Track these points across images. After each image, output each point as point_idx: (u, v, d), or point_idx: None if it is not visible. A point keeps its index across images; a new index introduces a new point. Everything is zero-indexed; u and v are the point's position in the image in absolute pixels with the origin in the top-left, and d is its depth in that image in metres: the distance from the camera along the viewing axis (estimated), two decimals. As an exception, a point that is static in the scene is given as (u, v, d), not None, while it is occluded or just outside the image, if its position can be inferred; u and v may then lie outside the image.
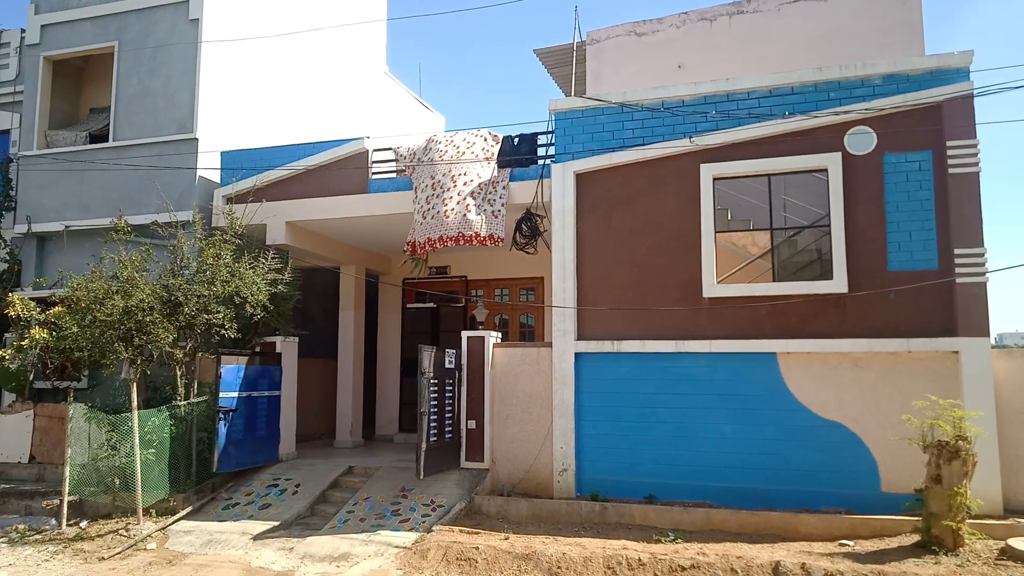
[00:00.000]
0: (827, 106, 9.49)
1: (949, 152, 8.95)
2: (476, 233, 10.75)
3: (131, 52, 13.44)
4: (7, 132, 14.77)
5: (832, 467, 9.03)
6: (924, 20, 11.82)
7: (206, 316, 10.62)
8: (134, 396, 9.64)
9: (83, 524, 9.71)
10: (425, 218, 11.07)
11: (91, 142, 13.80)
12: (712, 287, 9.70)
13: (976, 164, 8.88)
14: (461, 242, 10.84)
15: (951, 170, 8.93)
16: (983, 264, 8.70)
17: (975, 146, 8.91)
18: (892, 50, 11.27)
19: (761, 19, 12.53)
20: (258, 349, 11.74)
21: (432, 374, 9.97)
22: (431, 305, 15.47)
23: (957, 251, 8.78)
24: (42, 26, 14.03)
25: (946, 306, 8.78)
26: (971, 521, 7.65)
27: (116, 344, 10.36)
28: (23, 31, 14.39)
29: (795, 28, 12.29)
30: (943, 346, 8.73)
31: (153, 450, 9.83)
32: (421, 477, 9.77)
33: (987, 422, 8.21)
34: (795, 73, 9.73)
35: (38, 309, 11.73)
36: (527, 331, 15.17)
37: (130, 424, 9.52)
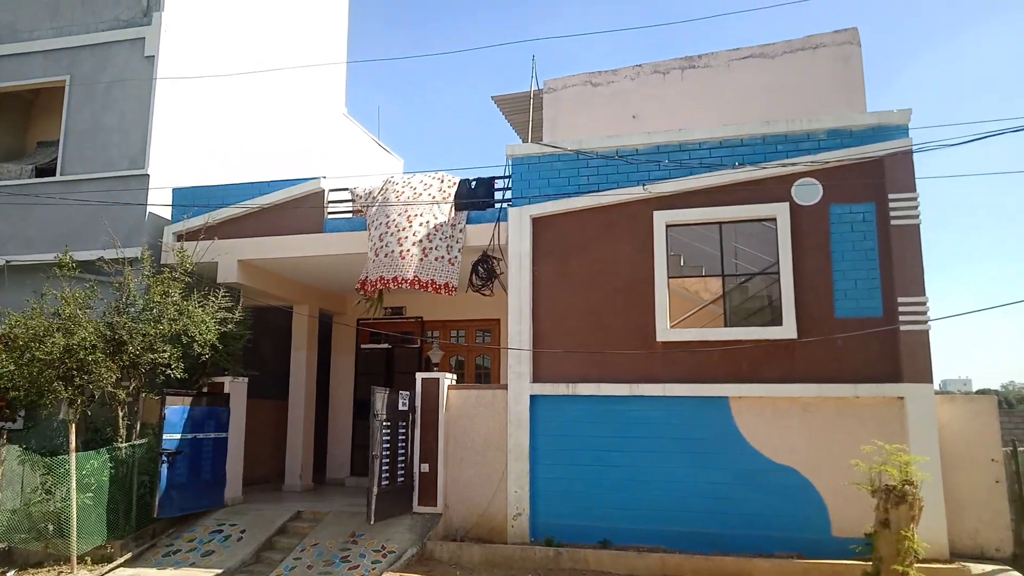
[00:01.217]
0: (775, 158, 9.82)
1: (891, 204, 9.32)
2: (432, 280, 10.81)
3: (83, 87, 13.24)
4: (-52, 163, 14.31)
5: (784, 511, 9.11)
6: (866, 78, 12.37)
7: (151, 355, 10.31)
8: (72, 437, 9.26)
9: (11, 574, 9.20)
10: (378, 256, 11.02)
11: (37, 176, 13.46)
12: (665, 331, 9.83)
13: (916, 216, 9.25)
14: (416, 287, 10.84)
15: (893, 222, 9.29)
16: (925, 312, 9.01)
17: (915, 199, 9.28)
18: (836, 106, 11.75)
19: (712, 73, 12.96)
20: (205, 390, 11.43)
21: (385, 416, 9.82)
22: (386, 346, 15.30)
23: (900, 299, 9.08)
24: (-9, 58, 13.75)
25: (891, 353, 9.04)
26: (919, 565, 7.74)
27: (55, 384, 9.98)
28: (-29, 62, 14.06)
29: (744, 82, 12.73)
30: (889, 392, 8.96)
31: (91, 494, 9.42)
32: (372, 522, 9.54)
33: (932, 467, 8.39)
34: (744, 126, 10.07)
35: (-28, 346, 11.25)
36: (483, 372, 15.09)
37: (67, 467, 9.14)
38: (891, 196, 9.33)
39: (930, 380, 8.86)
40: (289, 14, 17.16)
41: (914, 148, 9.41)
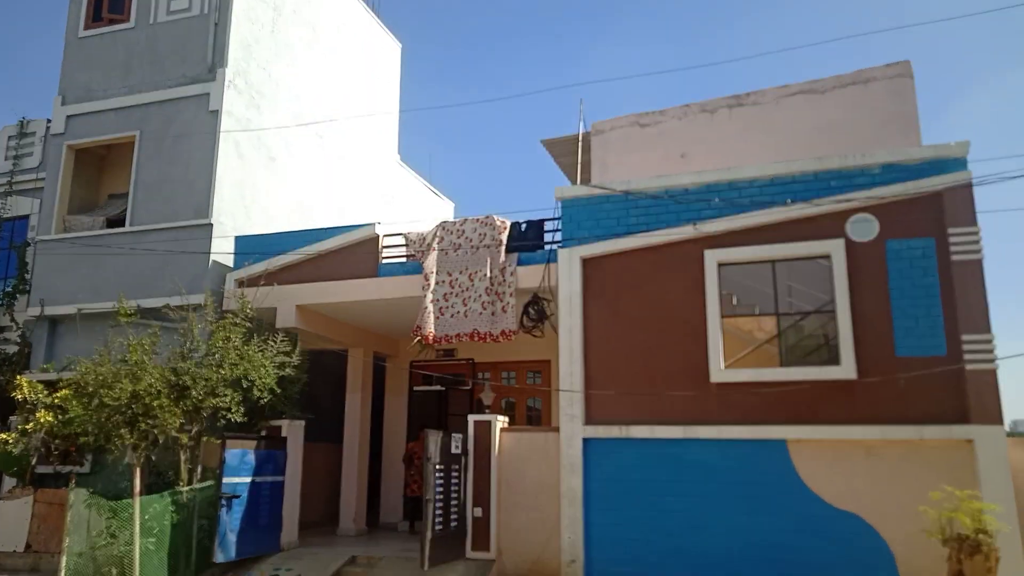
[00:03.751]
0: (828, 194, 9.67)
1: (951, 239, 9.05)
2: (489, 332, 11.03)
3: (152, 141, 13.90)
4: (27, 217, 15.18)
5: (848, 560, 8.76)
6: (920, 110, 12.12)
7: (213, 400, 10.59)
8: (136, 482, 9.51)
9: (77, 616, 9.43)
10: (443, 314, 11.29)
11: (108, 227, 14.11)
12: (720, 372, 9.67)
13: (979, 251, 8.96)
14: (475, 339, 11.07)
15: (954, 257, 9.01)
16: (992, 351, 8.67)
17: (976, 233, 9.01)
18: (890, 140, 11.50)
19: (760, 111, 12.87)
20: (263, 433, 11.66)
21: (438, 460, 9.86)
22: (438, 388, 15.39)
23: (965, 337, 8.77)
24: (67, 116, 14.57)
25: (958, 393, 8.70)
26: (996, 619, 7.37)
27: (122, 429, 10.31)
28: (48, 121, 14.95)
29: (794, 119, 12.60)
30: (956, 434, 8.60)
31: (153, 538, 9.63)
32: (426, 568, 9.52)
33: (1008, 516, 7.97)
34: (795, 163, 9.96)
35: (45, 392, 11.74)
36: (534, 414, 15.03)
37: (131, 511, 9.38)
38: (951, 231, 9.07)
39: (1000, 422, 8.49)
40: (343, 66, 17.79)
41: (974, 181, 9.17)
